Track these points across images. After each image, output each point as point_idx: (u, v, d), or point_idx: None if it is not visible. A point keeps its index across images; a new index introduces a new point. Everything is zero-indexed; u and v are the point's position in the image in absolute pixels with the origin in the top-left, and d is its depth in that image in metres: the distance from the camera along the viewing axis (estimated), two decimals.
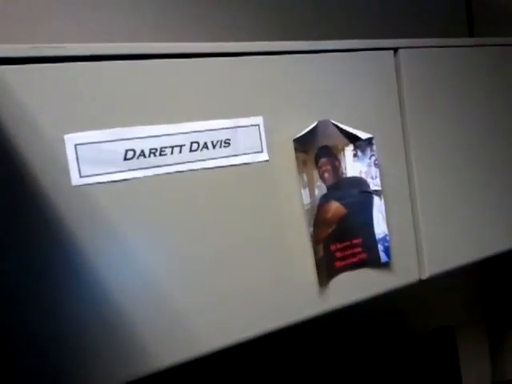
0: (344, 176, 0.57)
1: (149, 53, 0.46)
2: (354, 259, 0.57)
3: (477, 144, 0.68)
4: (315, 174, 0.55)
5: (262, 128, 0.52)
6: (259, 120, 0.52)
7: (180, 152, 0.48)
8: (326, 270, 0.55)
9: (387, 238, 0.58)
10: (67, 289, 0.43)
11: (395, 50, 0.61)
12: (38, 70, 0.42)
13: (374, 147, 0.57)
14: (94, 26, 0.72)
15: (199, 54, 0.49)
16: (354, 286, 0.57)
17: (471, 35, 1.08)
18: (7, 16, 0.66)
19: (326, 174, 0.56)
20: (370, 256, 0.58)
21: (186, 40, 0.78)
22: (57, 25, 0.69)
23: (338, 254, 0.56)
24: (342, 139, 0.57)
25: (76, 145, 0.43)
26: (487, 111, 0.69)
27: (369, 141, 0.57)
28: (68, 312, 0.43)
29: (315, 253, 0.54)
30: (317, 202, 0.55)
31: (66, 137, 0.43)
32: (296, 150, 0.53)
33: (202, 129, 0.48)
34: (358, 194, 0.57)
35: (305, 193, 0.54)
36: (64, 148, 0.43)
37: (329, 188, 0.56)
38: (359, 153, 0.57)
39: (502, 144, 0.70)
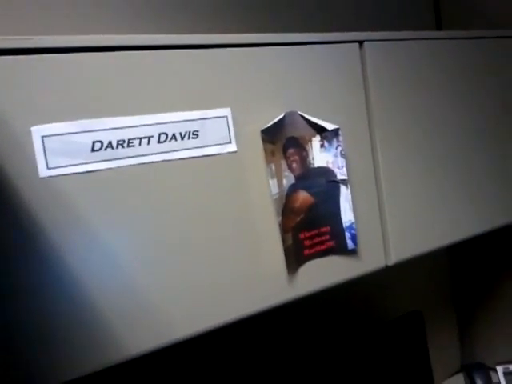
0: (311, 166, 0.58)
1: (116, 45, 0.47)
2: (322, 247, 0.59)
3: (442, 134, 0.70)
4: (283, 164, 0.56)
5: (229, 119, 0.53)
6: (227, 111, 0.52)
7: (148, 143, 0.48)
8: (295, 257, 0.57)
9: (354, 225, 0.60)
10: (36, 279, 0.43)
11: (360, 42, 0.62)
12: (4, 62, 0.42)
13: (341, 138, 0.58)
14: (65, 19, 0.71)
15: (168, 46, 0.49)
16: (323, 273, 0.59)
17: (439, 28, 1.10)
18: None
19: (294, 165, 0.57)
20: (337, 244, 0.60)
21: (154, 32, 0.78)
22: (22, 16, 0.69)
23: (307, 242, 0.58)
24: (309, 130, 0.58)
25: (43, 137, 0.43)
26: (453, 102, 0.71)
27: (335, 132, 0.58)
28: (37, 302, 0.43)
29: (284, 241, 0.56)
30: (285, 191, 0.56)
31: (33, 129, 0.43)
32: (264, 140, 0.54)
33: (170, 120, 0.49)
34: (325, 184, 0.59)
35: (273, 183, 0.55)
36: (31, 140, 0.43)
37: (297, 178, 0.57)
38: (326, 143, 0.58)
39: (468, 134, 0.73)
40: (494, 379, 1.01)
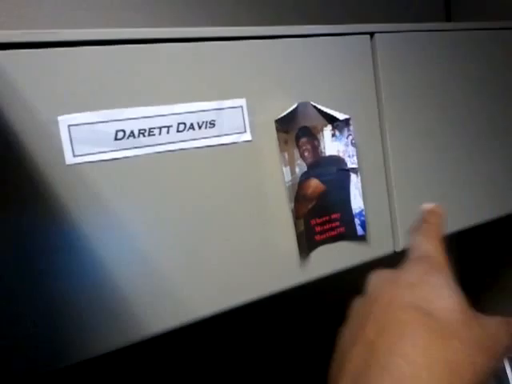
0: (323, 155, 0.60)
1: (137, 38, 0.49)
2: (333, 233, 0.61)
3: (453, 123, 0.71)
4: (296, 152, 0.58)
5: (245, 109, 0.55)
6: (242, 102, 0.54)
7: (168, 132, 0.50)
8: (307, 243, 0.59)
9: (363, 212, 0.62)
10: (60, 262, 0.46)
11: (371, 34, 0.64)
12: (32, 54, 0.44)
13: (351, 127, 0.60)
14: (85, 13, 0.73)
15: (186, 38, 0.51)
16: (333, 258, 0.61)
17: (448, 20, 1.11)
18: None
19: (306, 153, 0.59)
20: (347, 230, 0.62)
21: (174, 25, 0.80)
22: (48, 11, 0.71)
23: (318, 228, 0.60)
24: (321, 120, 0.60)
25: (69, 126, 0.46)
26: (464, 92, 0.73)
27: (346, 121, 0.60)
28: (60, 284, 0.46)
29: (296, 227, 0.58)
30: (297, 179, 0.58)
31: (60, 118, 0.45)
32: (277, 130, 0.56)
33: (188, 110, 0.51)
34: (336, 172, 0.61)
35: (286, 170, 0.57)
36: (58, 129, 0.45)
37: (309, 166, 0.59)
38: (337, 133, 0.60)
39: (480, 122, 0.74)
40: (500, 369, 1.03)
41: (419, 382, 0.23)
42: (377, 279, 0.34)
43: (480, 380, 0.25)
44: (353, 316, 0.31)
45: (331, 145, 0.60)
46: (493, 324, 0.29)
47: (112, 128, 0.47)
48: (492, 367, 0.26)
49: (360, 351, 0.27)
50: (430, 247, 0.35)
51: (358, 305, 0.32)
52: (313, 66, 0.59)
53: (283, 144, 0.57)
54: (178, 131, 0.51)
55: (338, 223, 0.61)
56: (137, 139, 0.49)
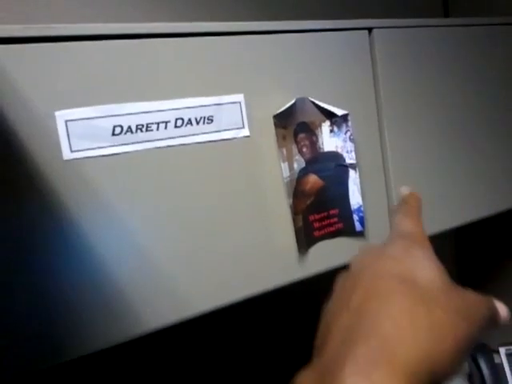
0: (321, 150, 0.60)
1: (135, 33, 0.48)
2: (331, 229, 0.61)
3: (451, 119, 0.71)
4: (294, 148, 0.58)
5: (243, 105, 0.54)
6: (240, 97, 0.54)
7: (165, 128, 0.50)
8: (305, 238, 0.59)
9: (362, 208, 0.62)
10: (58, 258, 0.46)
11: (370, 29, 0.64)
12: (29, 49, 0.44)
13: (350, 123, 0.60)
14: (82, 8, 0.73)
15: (184, 33, 0.51)
16: (331, 254, 0.61)
17: (446, 15, 1.11)
18: None
19: (305, 149, 0.59)
20: (345, 226, 0.62)
21: (172, 20, 0.79)
22: (45, 6, 0.70)
23: (316, 224, 0.60)
24: (319, 115, 0.60)
25: (66, 121, 0.45)
26: (462, 89, 0.73)
27: (344, 117, 0.60)
28: (59, 280, 0.46)
29: (294, 223, 0.58)
30: (296, 174, 0.58)
31: (57, 113, 0.45)
32: (276, 125, 0.56)
33: (186, 106, 0.51)
34: (334, 168, 0.61)
35: (284, 166, 0.57)
36: (55, 124, 0.45)
37: (307, 162, 0.59)
38: (335, 128, 0.60)
39: (479, 119, 0.74)
40: (497, 360, 1.03)
41: (405, 344, 0.24)
42: (361, 254, 0.35)
43: (461, 345, 0.26)
44: (338, 288, 0.32)
45: (329, 140, 0.60)
46: (472, 296, 0.30)
47: (109, 123, 0.47)
48: (472, 335, 0.27)
49: (347, 317, 0.27)
50: (410, 225, 0.37)
51: (343, 278, 0.33)
52: (311, 62, 0.59)
53: (281, 140, 0.57)
54: (175, 127, 0.51)
55: (336, 219, 0.61)
56: (134, 134, 0.49)
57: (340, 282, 0.33)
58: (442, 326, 0.26)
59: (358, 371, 0.23)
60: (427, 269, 0.30)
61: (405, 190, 0.43)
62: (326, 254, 0.61)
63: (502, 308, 0.32)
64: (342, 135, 0.60)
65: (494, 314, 0.31)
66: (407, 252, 0.32)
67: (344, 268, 0.34)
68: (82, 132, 0.46)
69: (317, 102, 0.59)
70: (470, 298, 0.30)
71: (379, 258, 0.32)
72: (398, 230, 0.37)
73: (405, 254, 0.32)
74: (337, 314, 0.28)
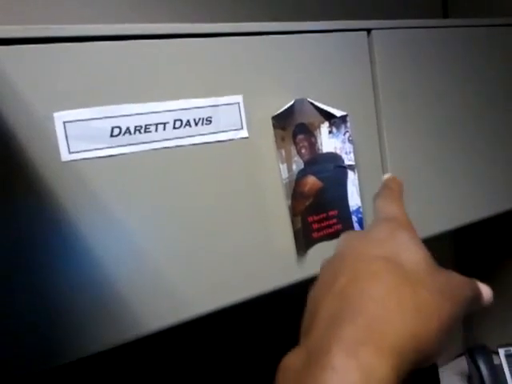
0: (320, 152, 0.60)
1: (134, 34, 0.48)
2: (330, 230, 0.61)
3: (450, 120, 0.71)
4: (293, 149, 0.58)
5: (241, 106, 0.54)
6: (239, 98, 0.54)
7: (164, 129, 0.50)
8: (304, 240, 0.59)
9: (360, 209, 0.62)
10: (57, 259, 0.46)
11: (368, 31, 0.64)
12: (28, 50, 0.44)
13: (349, 124, 0.60)
14: (81, 9, 0.73)
15: (183, 34, 0.51)
16: (330, 255, 0.61)
17: (445, 16, 1.11)
18: None
19: (303, 150, 0.59)
20: (344, 227, 0.62)
21: (171, 21, 0.79)
22: (43, 7, 0.70)
23: (315, 226, 0.60)
24: (318, 117, 0.60)
25: (65, 122, 0.45)
26: (461, 90, 0.73)
27: (343, 118, 0.60)
28: (57, 282, 0.46)
29: (293, 224, 0.58)
30: (294, 176, 0.58)
31: (56, 115, 0.45)
32: (274, 127, 0.56)
33: (185, 107, 0.51)
34: (333, 169, 0.61)
35: (283, 167, 0.57)
36: (53, 125, 0.45)
37: (306, 163, 0.59)
38: (334, 130, 0.60)
39: (477, 120, 0.74)
40: (496, 361, 1.03)
41: (391, 324, 0.24)
42: (346, 238, 0.35)
43: (445, 324, 0.26)
44: (323, 272, 0.33)
45: (328, 142, 0.60)
46: (456, 277, 0.31)
47: (108, 124, 0.47)
48: (456, 315, 0.28)
49: (333, 299, 0.28)
50: (394, 209, 0.38)
51: (328, 262, 0.34)
52: (310, 63, 0.59)
53: (280, 141, 0.57)
54: (174, 128, 0.51)
55: (335, 220, 0.61)
56: (133, 136, 0.48)
57: (325, 266, 0.33)
58: (428, 306, 0.26)
59: (345, 351, 0.23)
60: (412, 251, 0.30)
61: (387, 175, 0.45)
62: (325, 256, 0.60)
63: (485, 289, 0.33)
64: (341, 136, 0.60)
65: (478, 295, 0.32)
66: (392, 235, 0.32)
67: None
68: (80, 133, 0.46)
69: (316, 103, 0.59)
70: (454, 280, 0.30)
71: (364, 241, 0.32)
72: (381, 215, 0.38)
73: (389, 236, 0.32)
74: (323, 297, 0.29)
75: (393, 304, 0.26)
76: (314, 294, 0.31)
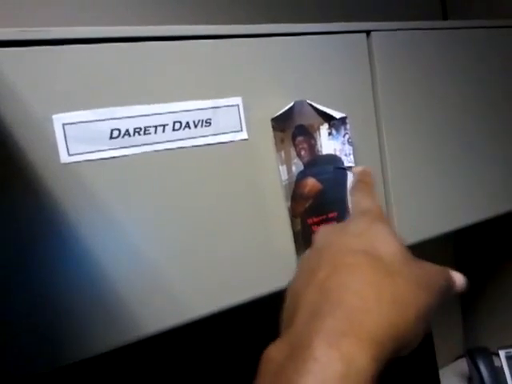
0: (319, 153, 0.60)
1: (133, 36, 0.48)
2: None
3: (449, 122, 0.71)
4: (292, 151, 0.58)
5: (241, 108, 0.54)
6: (238, 100, 0.54)
7: (163, 131, 0.50)
8: (304, 242, 0.59)
9: None
10: (56, 261, 0.46)
11: (368, 32, 0.64)
12: (27, 52, 0.44)
13: (348, 126, 0.60)
14: (80, 11, 0.73)
15: (183, 36, 0.51)
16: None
17: (445, 18, 1.11)
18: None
19: (303, 152, 0.59)
20: None
21: (170, 23, 0.79)
22: (43, 9, 0.71)
23: (315, 228, 0.60)
24: (318, 118, 0.60)
25: (64, 124, 0.45)
26: (461, 91, 0.73)
27: (343, 120, 0.60)
28: (57, 284, 0.46)
29: (293, 226, 0.58)
30: (294, 178, 0.58)
31: (54, 117, 0.45)
32: (274, 128, 0.56)
33: (184, 109, 0.51)
34: (332, 171, 0.61)
35: (283, 169, 0.57)
36: (53, 127, 0.45)
37: (305, 165, 0.59)
38: (334, 131, 0.60)
39: (477, 121, 0.74)
40: (497, 363, 1.03)
41: (370, 314, 0.25)
42: (324, 232, 0.36)
43: (422, 313, 0.27)
44: (303, 265, 0.34)
45: (328, 143, 0.60)
46: (431, 267, 0.32)
47: (107, 126, 0.47)
48: (432, 304, 0.29)
49: (313, 292, 0.28)
50: (368, 203, 0.40)
51: (307, 255, 0.35)
52: (309, 64, 0.59)
53: (280, 143, 0.57)
54: (173, 130, 0.51)
55: (334, 222, 0.61)
56: (132, 138, 0.48)
57: (304, 260, 0.34)
58: (405, 296, 0.27)
59: (327, 342, 0.24)
60: (389, 243, 0.31)
61: (358, 168, 0.47)
62: None
63: (458, 277, 0.34)
64: (341, 138, 0.60)
65: (452, 283, 0.33)
66: (368, 228, 0.33)
67: None
68: (79, 135, 0.46)
69: (315, 104, 0.59)
70: (429, 270, 0.32)
71: (342, 235, 0.34)
72: (357, 209, 0.40)
73: (366, 230, 0.33)
74: (303, 290, 0.29)
75: (371, 295, 0.26)
76: (293, 287, 0.32)
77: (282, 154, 0.57)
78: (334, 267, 0.29)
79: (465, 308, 1.25)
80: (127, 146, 0.48)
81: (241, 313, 0.83)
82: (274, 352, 0.26)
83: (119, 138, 0.48)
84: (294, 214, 0.58)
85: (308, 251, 0.36)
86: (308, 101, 0.59)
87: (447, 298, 0.32)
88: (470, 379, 1.12)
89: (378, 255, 0.30)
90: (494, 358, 1.05)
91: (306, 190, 0.59)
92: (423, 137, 0.69)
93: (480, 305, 1.20)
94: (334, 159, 0.60)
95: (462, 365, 1.17)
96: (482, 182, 0.75)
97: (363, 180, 0.45)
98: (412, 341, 0.27)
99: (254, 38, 0.55)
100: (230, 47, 0.54)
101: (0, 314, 0.43)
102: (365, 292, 0.27)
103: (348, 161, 0.61)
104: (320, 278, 0.29)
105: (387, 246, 0.31)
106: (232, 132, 0.54)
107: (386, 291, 0.27)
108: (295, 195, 0.58)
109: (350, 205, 0.41)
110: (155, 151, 0.50)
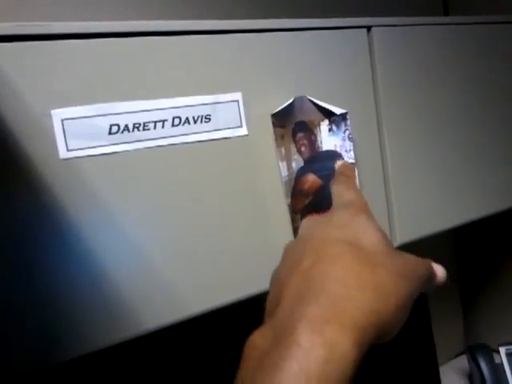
0: (320, 149, 0.60)
1: (131, 31, 0.48)
2: None
3: (450, 119, 0.71)
4: (292, 147, 0.58)
5: (241, 104, 0.54)
6: (238, 96, 0.54)
7: (163, 127, 0.50)
8: None
9: None
10: (55, 258, 0.46)
11: (368, 28, 0.63)
12: (25, 48, 0.44)
13: (348, 122, 0.60)
14: (78, 6, 0.73)
15: (182, 31, 0.51)
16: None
17: (446, 14, 1.10)
18: None
19: (303, 148, 0.59)
20: None
21: (169, 18, 0.79)
22: (42, 4, 0.70)
23: None
24: (318, 114, 0.59)
25: (63, 120, 0.45)
26: (462, 88, 0.73)
27: (343, 116, 0.60)
28: (55, 280, 0.46)
29: (293, 222, 0.58)
30: (294, 174, 0.58)
31: (53, 112, 0.45)
32: (274, 124, 0.56)
33: (184, 104, 0.51)
34: (333, 167, 0.60)
35: (283, 166, 0.57)
36: (51, 123, 0.45)
37: (305, 161, 0.59)
38: (334, 127, 0.60)
39: (478, 119, 0.74)
40: (497, 360, 1.03)
41: (352, 302, 0.26)
42: (309, 222, 0.38)
43: (402, 302, 0.28)
44: (287, 255, 0.35)
45: (328, 139, 0.60)
46: (412, 258, 0.33)
47: (106, 122, 0.47)
48: (412, 293, 0.29)
49: (297, 280, 0.29)
50: (351, 194, 0.41)
51: (291, 245, 0.36)
52: (310, 60, 0.59)
53: (280, 139, 0.57)
54: (173, 125, 0.50)
55: None
56: (131, 133, 0.48)
57: (289, 249, 0.35)
58: (386, 285, 0.28)
59: (310, 329, 0.24)
60: (371, 234, 0.32)
61: (339, 163, 0.49)
62: None
63: (439, 269, 0.35)
64: (341, 134, 0.60)
65: (432, 274, 0.34)
66: (351, 219, 0.34)
67: None
68: (78, 131, 0.46)
69: (315, 100, 0.58)
70: (410, 260, 0.32)
71: (327, 226, 0.35)
72: (340, 201, 0.41)
73: (349, 221, 0.34)
74: (287, 278, 0.30)
75: (354, 283, 0.27)
76: (278, 275, 0.33)
77: (282, 150, 0.57)
78: (317, 257, 0.30)
79: (465, 305, 1.25)
80: (127, 141, 0.48)
81: (240, 310, 0.83)
82: (258, 338, 0.27)
83: (118, 134, 0.48)
84: (294, 211, 0.58)
85: (292, 241, 0.37)
86: (308, 96, 0.58)
87: (428, 288, 0.33)
88: (470, 376, 1.12)
89: (360, 245, 0.31)
90: (495, 355, 1.05)
91: (306, 186, 0.59)
92: (424, 133, 0.68)
93: (480, 302, 1.20)
94: (334, 155, 0.60)
95: (463, 362, 1.17)
96: (482, 178, 0.75)
97: (344, 172, 0.46)
98: (393, 328, 0.28)
99: (254, 33, 0.55)
100: (229, 42, 0.53)
101: (0, 309, 0.43)
102: (347, 280, 0.27)
103: (348, 157, 0.60)
104: (304, 267, 0.30)
105: (370, 237, 0.32)
106: (232, 128, 0.54)
107: (368, 279, 0.28)
108: (295, 191, 0.58)
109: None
110: (155, 147, 0.49)
